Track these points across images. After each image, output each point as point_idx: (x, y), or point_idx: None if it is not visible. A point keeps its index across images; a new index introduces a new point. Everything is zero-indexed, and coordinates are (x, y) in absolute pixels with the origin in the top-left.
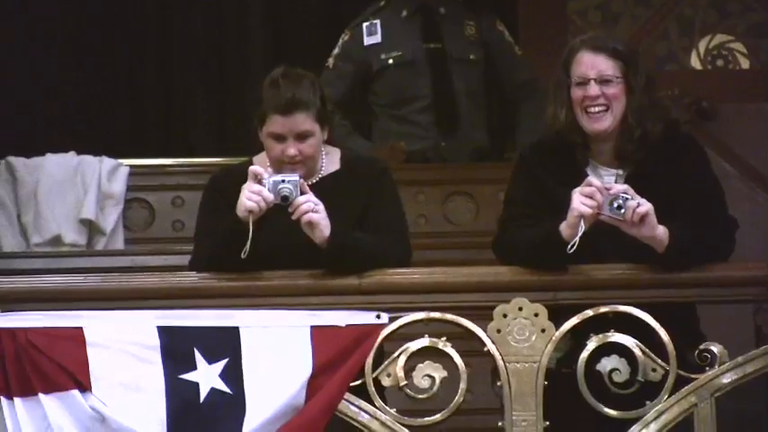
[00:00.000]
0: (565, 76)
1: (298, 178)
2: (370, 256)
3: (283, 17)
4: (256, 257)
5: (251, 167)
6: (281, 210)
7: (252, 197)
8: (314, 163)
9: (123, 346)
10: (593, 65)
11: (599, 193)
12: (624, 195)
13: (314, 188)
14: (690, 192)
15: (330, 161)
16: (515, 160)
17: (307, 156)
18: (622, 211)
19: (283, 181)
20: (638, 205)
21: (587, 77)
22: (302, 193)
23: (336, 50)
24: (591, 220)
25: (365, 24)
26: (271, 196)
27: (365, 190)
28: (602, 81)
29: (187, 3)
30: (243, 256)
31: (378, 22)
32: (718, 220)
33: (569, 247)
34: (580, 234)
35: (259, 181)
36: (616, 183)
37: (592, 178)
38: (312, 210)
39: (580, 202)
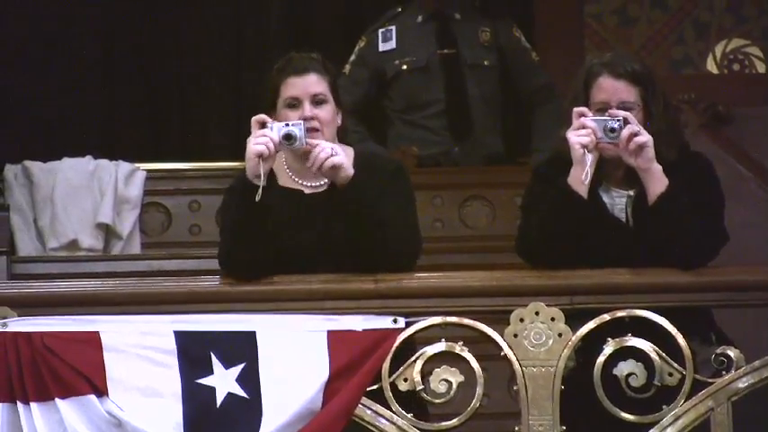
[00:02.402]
0: (583, 97)
1: (302, 123)
2: (383, 219)
3: (301, 20)
4: (285, 263)
5: (255, 117)
6: (307, 215)
7: (259, 140)
8: (330, 135)
9: (140, 351)
10: (614, 92)
11: (590, 121)
12: (617, 119)
13: (329, 190)
14: (693, 201)
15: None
16: (531, 173)
17: (323, 121)
18: (615, 134)
19: (287, 125)
20: (638, 134)
21: (609, 105)
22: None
23: (352, 57)
24: (592, 146)
25: (381, 31)
26: (277, 138)
27: (378, 189)
28: (623, 109)
29: (205, 7)
30: (257, 199)
31: (393, 28)
32: (711, 221)
33: (583, 176)
34: (589, 164)
35: (263, 127)
36: (626, 204)
37: (579, 109)
38: (332, 154)
39: (576, 136)
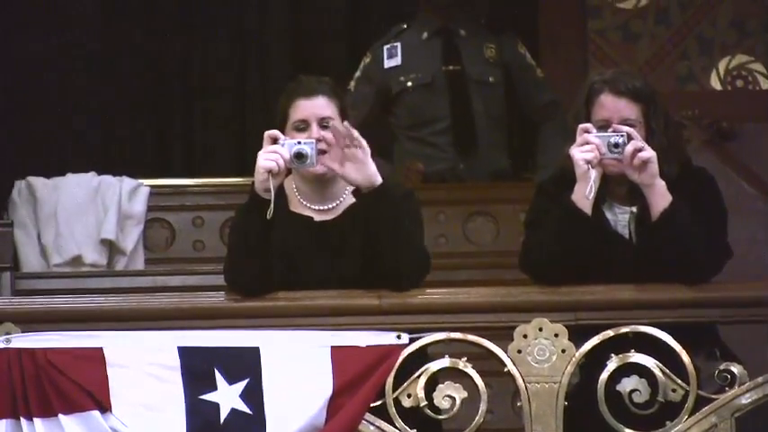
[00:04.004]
0: (584, 114)
1: (314, 142)
2: (404, 224)
3: (304, 37)
4: (295, 289)
5: (268, 132)
6: (317, 242)
7: (269, 156)
8: (337, 158)
9: (143, 367)
10: (615, 109)
11: (593, 138)
12: (621, 134)
13: (339, 217)
14: (696, 216)
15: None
16: (535, 189)
17: (331, 142)
18: (619, 149)
19: (299, 143)
20: (642, 149)
21: (610, 122)
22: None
23: (358, 73)
24: (596, 162)
25: (386, 47)
26: (287, 155)
27: None
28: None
29: (209, 24)
30: (268, 216)
31: (398, 44)
32: (714, 236)
33: (587, 192)
34: (593, 180)
35: (275, 142)
36: (629, 221)
37: (584, 125)
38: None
39: (580, 152)
